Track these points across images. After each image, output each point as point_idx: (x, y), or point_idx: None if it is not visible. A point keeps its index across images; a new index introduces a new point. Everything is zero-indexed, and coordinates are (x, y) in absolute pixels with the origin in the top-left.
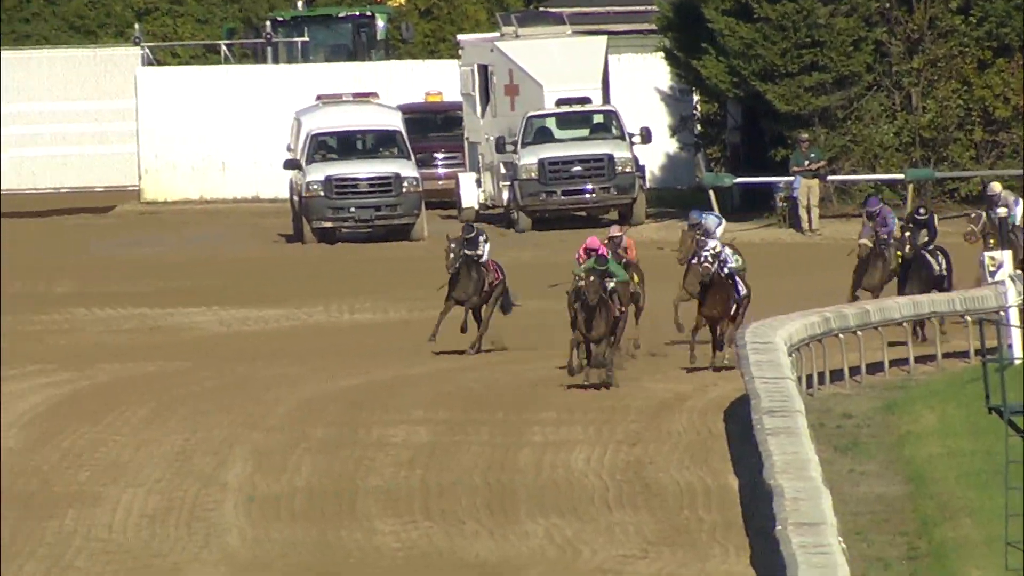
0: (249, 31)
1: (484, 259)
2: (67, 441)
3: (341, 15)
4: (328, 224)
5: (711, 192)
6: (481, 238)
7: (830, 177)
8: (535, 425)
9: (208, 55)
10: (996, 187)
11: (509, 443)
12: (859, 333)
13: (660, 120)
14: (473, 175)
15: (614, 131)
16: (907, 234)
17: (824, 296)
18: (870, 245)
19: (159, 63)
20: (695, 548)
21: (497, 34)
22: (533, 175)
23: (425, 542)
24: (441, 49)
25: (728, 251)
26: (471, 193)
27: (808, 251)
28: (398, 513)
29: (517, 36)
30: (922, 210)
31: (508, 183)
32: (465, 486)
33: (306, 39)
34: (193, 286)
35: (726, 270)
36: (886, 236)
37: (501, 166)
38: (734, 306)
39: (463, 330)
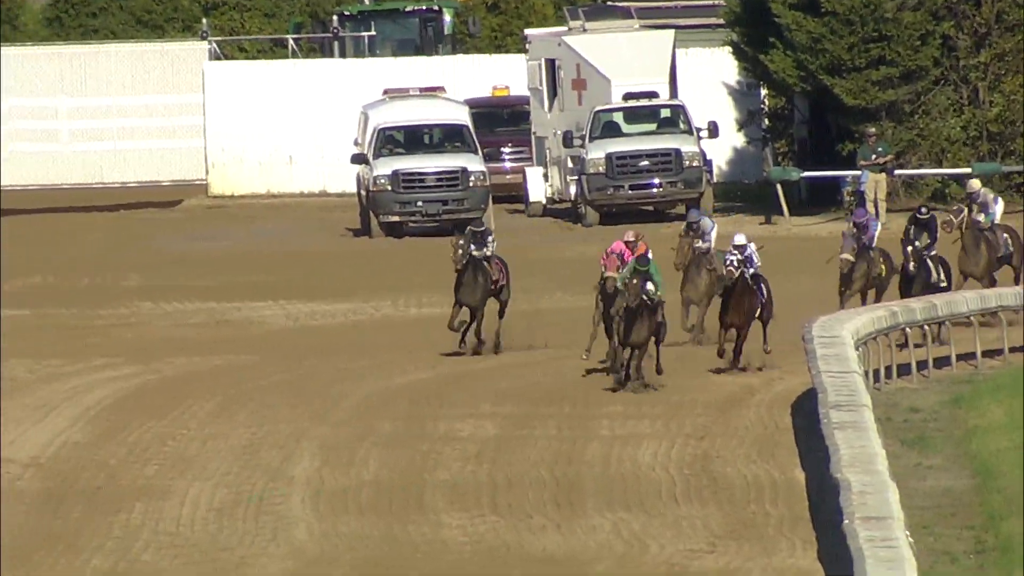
0: (316, 25)
1: (490, 256)
2: (134, 435)
3: (408, 9)
4: (395, 218)
5: (778, 186)
6: (489, 237)
7: (897, 172)
8: (602, 419)
9: (275, 49)
10: (975, 184)
11: (576, 437)
12: (926, 327)
13: (727, 114)
14: (540, 169)
15: (681, 125)
16: (910, 246)
17: (891, 290)
18: (851, 260)
19: (226, 57)
20: (762, 542)
21: (564, 28)
22: (600, 169)
23: (492, 536)
24: (508, 43)
25: (753, 247)
26: (538, 187)
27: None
28: (465, 507)
29: (584, 30)
30: (923, 210)
31: (575, 177)
32: (532, 480)
33: (373, 33)
34: (260, 280)
35: (751, 270)
36: (867, 242)
37: (568, 160)
38: (758, 309)
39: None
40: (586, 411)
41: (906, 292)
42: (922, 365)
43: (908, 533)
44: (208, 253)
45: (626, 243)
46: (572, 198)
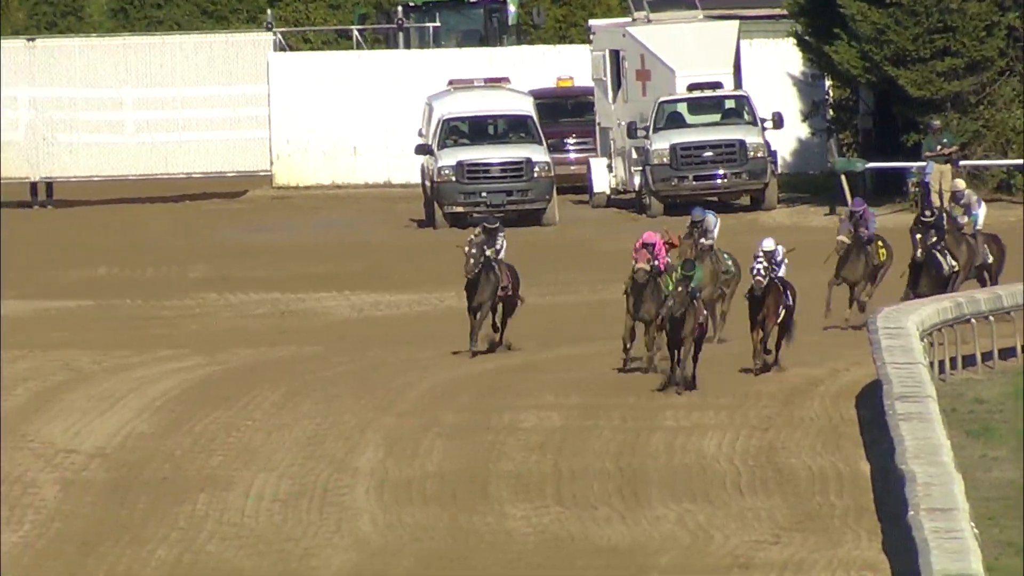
0: (381, 16)
1: (501, 255)
2: (199, 426)
3: (473, 0)
4: (460, 209)
5: (843, 177)
6: (501, 235)
7: (962, 162)
8: (667, 410)
9: (340, 40)
10: (960, 184)
11: (640, 428)
12: (992, 318)
13: (792, 105)
14: (604, 160)
15: (746, 116)
16: (918, 236)
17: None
18: (847, 241)
19: (291, 49)
20: (827, 534)
21: (629, 19)
22: (665, 160)
23: (557, 527)
24: (572, 34)
25: (782, 251)
26: (602, 178)
27: None
28: (530, 498)
29: (649, 21)
30: (928, 212)
31: (639, 168)
32: (596, 471)
33: (438, 24)
34: (324, 271)
35: (781, 271)
36: (866, 237)
37: (632, 151)
38: (783, 312)
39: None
40: (650, 402)
41: (915, 285)
42: (987, 356)
43: (973, 524)
44: (272, 244)
45: (644, 244)
46: (636, 189)
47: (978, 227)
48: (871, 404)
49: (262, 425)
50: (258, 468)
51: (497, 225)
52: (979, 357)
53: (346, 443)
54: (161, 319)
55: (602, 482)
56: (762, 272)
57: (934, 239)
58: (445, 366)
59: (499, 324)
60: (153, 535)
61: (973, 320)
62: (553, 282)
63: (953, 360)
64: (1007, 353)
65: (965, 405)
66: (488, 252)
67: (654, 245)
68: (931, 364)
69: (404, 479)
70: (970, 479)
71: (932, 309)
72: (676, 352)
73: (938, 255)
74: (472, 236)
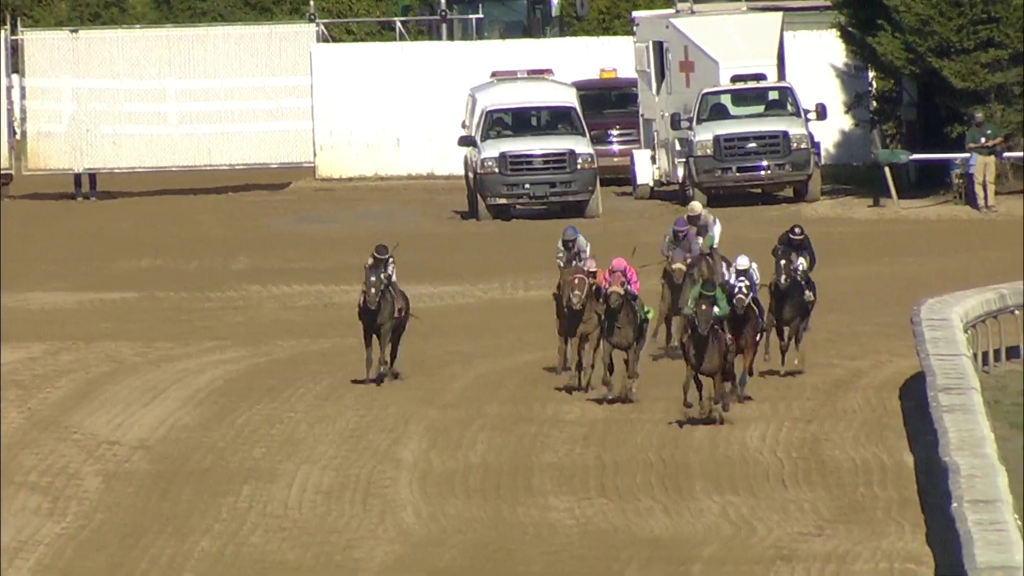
0: (424, 8)
1: (394, 279)
2: (242, 418)
3: None
4: (503, 200)
5: (886, 169)
6: (391, 261)
7: (1006, 154)
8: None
9: (383, 32)
10: (696, 207)
11: (683, 420)
12: None
13: (835, 97)
14: (648, 152)
15: (789, 108)
16: (782, 262)
17: (1000, 272)
18: (684, 268)
19: (334, 40)
20: (871, 525)
21: (672, 11)
22: (708, 152)
23: (600, 518)
24: (615, 26)
25: (755, 268)
26: (646, 170)
27: (984, 228)
28: (573, 490)
29: (692, 12)
30: (797, 230)
31: (683, 160)
32: (639, 463)
33: (481, 16)
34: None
35: (753, 294)
36: (689, 259)
37: (676, 143)
38: (758, 334)
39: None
40: (693, 393)
41: (778, 311)
42: None
43: (1017, 516)
44: (316, 235)
45: (611, 271)
46: (680, 180)
47: (715, 246)
48: (915, 396)
49: (305, 417)
50: (301, 460)
51: (388, 256)
52: (1023, 349)
53: (389, 435)
54: (205, 311)
55: (645, 474)
56: (744, 291)
57: (800, 264)
58: (489, 358)
59: (393, 350)
60: (196, 527)
61: (1017, 311)
62: None
63: (997, 352)
64: None
65: (1009, 397)
66: (383, 277)
67: (624, 271)
68: (975, 356)
69: (447, 471)
70: (1014, 471)
71: (976, 300)
72: (701, 380)
73: (800, 280)
74: (367, 264)
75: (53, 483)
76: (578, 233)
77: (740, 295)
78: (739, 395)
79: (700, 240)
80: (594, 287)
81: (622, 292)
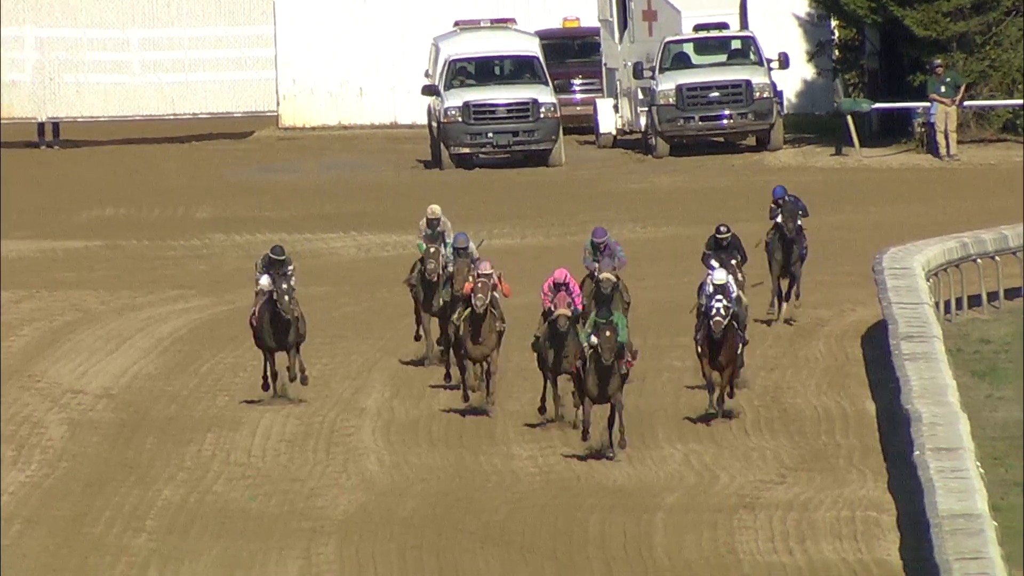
0: None
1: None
2: (206, 366)
3: None
4: (466, 150)
5: (848, 118)
6: (289, 264)
7: (967, 103)
8: (674, 350)
9: None
10: (435, 210)
11: (648, 368)
12: (997, 258)
13: (797, 46)
14: (610, 101)
15: (752, 57)
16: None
17: (963, 221)
18: (613, 279)
19: None
20: (833, 473)
21: None
22: (671, 101)
23: (563, 467)
24: None
25: (732, 283)
26: (608, 119)
27: (946, 176)
28: (535, 439)
29: None
30: (723, 228)
31: (645, 109)
32: (602, 412)
33: None
34: (331, 211)
35: (734, 309)
36: (618, 266)
37: (639, 92)
38: (739, 349)
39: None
40: (658, 342)
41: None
42: (993, 296)
43: (979, 464)
44: (279, 184)
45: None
46: (642, 129)
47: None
48: (877, 344)
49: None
50: (264, 408)
51: (285, 256)
52: (985, 297)
53: (352, 383)
54: (168, 259)
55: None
56: (722, 312)
57: (733, 263)
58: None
59: (299, 361)
60: (160, 475)
61: (978, 260)
62: (559, 222)
63: (959, 300)
64: (1012, 293)
65: (971, 345)
66: (285, 285)
67: (568, 284)
68: (937, 304)
69: (410, 420)
70: (976, 419)
71: (938, 249)
72: (590, 404)
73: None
74: (259, 267)
75: (17, 432)
76: (469, 240)
77: (718, 318)
78: (720, 407)
79: (621, 248)
80: (490, 290)
81: (569, 315)
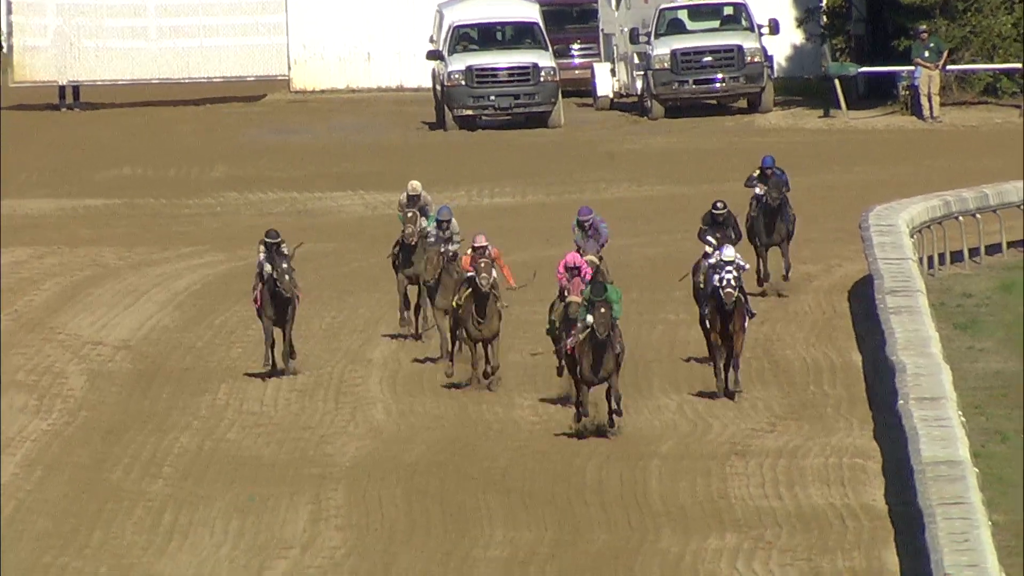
0: None
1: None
2: (220, 319)
3: None
4: (469, 112)
5: (836, 81)
6: (284, 244)
7: (949, 67)
8: (668, 304)
9: None
10: (416, 186)
11: (643, 321)
12: (978, 216)
13: (787, 12)
14: (607, 65)
15: (743, 23)
16: (707, 252)
17: (945, 180)
18: (596, 261)
19: None
20: (821, 422)
21: None
22: (666, 65)
23: (562, 416)
24: None
25: (740, 257)
26: (606, 82)
27: (929, 137)
28: (536, 389)
29: None
30: (719, 205)
31: (641, 73)
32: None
33: None
34: (340, 171)
35: (741, 284)
36: (603, 245)
37: (635, 56)
38: (746, 320)
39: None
40: (652, 296)
41: (701, 304)
42: (974, 252)
43: (961, 413)
44: (290, 145)
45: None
46: (638, 92)
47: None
48: (863, 298)
49: None
50: (276, 359)
51: (280, 240)
52: (966, 253)
53: (360, 336)
54: (183, 217)
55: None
56: (732, 283)
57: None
58: None
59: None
60: (176, 423)
61: (960, 218)
62: (558, 181)
63: (941, 256)
64: (993, 249)
65: (953, 299)
66: (285, 265)
67: (579, 268)
68: (920, 260)
69: (416, 370)
70: (957, 370)
71: (922, 207)
72: (586, 389)
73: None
74: (261, 251)
75: (39, 382)
76: (452, 216)
77: (728, 289)
78: (737, 386)
79: (605, 225)
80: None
81: (580, 301)
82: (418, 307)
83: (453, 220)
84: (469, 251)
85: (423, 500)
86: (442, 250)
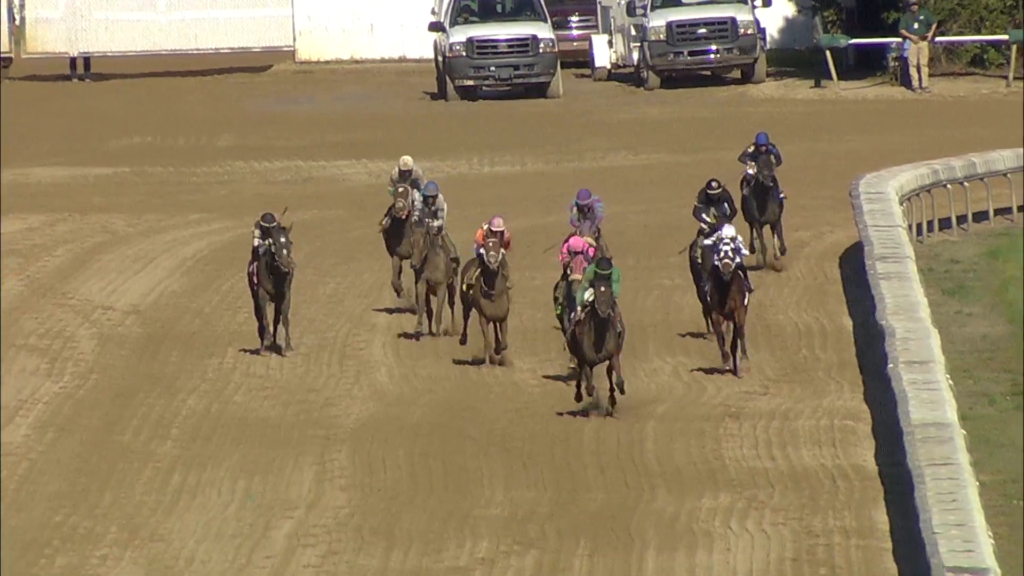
0: None
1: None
2: (227, 284)
3: None
4: (470, 82)
5: (827, 52)
6: (282, 228)
7: (937, 39)
8: (663, 270)
9: None
10: (408, 161)
11: (639, 287)
12: (966, 184)
13: None
14: (605, 37)
15: None
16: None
17: (934, 149)
18: (593, 243)
19: None
20: (812, 385)
21: None
22: (661, 37)
23: (561, 379)
24: None
25: (741, 240)
26: (603, 53)
27: (918, 107)
28: (535, 352)
29: None
30: (714, 184)
31: (638, 44)
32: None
33: None
34: (344, 140)
35: (739, 259)
36: (599, 228)
37: (631, 28)
38: (745, 296)
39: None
40: (648, 262)
41: (698, 279)
42: (962, 219)
43: (949, 376)
44: (295, 115)
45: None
46: (635, 63)
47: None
48: (853, 264)
49: None
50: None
51: (276, 224)
52: (954, 220)
53: (364, 301)
54: (191, 185)
55: None
56: (730, 255)
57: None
58: (455, 230)
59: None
60: (184, 386)
61: (948, 186)
62: (556, 150)
63: (930, 223)
64: (980, 216)
65: (941, 265)
66: (284, 239)
67: (585, 252)
68: (909, 227)
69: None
70: (946, 334)
71: (911, 175)
72: (590, 366)
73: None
74: (257, 235)
75: (51, 345)
76: (439, 192)
77: (727, 260)
78: (743, 359)
79: (600, 205)
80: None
81: (581, 279)
82: (429, 311)
83: (440, 196)
84: (484, 226)
85: (425, 461)
86: (427, 230)
